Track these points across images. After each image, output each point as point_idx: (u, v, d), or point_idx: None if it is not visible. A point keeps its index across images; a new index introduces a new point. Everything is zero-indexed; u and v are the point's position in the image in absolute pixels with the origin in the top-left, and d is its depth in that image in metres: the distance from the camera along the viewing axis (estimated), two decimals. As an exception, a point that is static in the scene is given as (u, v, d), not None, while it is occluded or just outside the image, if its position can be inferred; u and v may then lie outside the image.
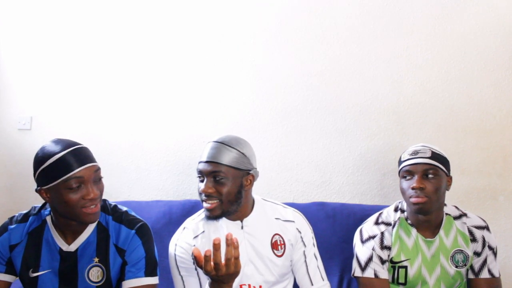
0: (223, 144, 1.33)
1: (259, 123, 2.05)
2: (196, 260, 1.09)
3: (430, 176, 1.39)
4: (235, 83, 2.08)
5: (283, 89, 2.05)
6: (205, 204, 1.31)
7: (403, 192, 1.45)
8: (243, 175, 1.34)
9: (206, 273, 1.09)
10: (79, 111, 2.14)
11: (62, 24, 2.17)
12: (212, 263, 1.07)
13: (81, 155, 1.19)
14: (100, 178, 1.23)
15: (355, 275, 1.47)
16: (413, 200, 1.39)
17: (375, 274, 1.43)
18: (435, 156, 1.42)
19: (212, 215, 1.32)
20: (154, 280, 1.28)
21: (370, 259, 1.45)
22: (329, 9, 2.05)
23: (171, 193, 2.07)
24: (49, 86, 2.16)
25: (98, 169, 1.22)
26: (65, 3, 2.17)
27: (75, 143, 1.21)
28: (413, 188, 1.39)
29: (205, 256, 1.06)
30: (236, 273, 1.11)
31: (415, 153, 1.43)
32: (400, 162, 1.50)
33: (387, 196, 1.98)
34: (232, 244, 1.08)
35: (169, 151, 2.08)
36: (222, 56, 2.09)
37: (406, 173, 1.43)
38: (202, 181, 1.32)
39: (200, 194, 1.33)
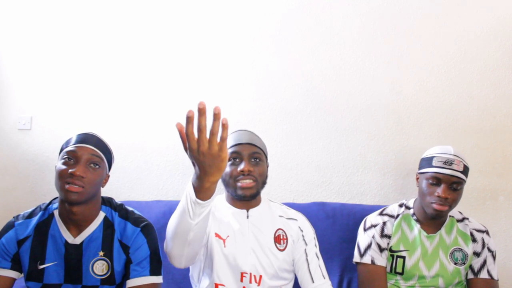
0: (249, 131, 1.43)
1: (259, 123, 2.05)
2: (180, 135, 0.91)
3: (455, 187, 1.43)
4: (236, 84, 2.08)
5: (283, 89, 2.05)
6: (241, 183, 1.34)
7: (423, 193, 1.48)
8: (266, 161, 1.45)
9: (190, 150, 0.93)
10: (79, 111, 2.14)
11: (62, 25, 2.17)
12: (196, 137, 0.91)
13: (84, 138, 1.28)
14: (94, 164, 1.25)
15: (354, 260, 1.54)
16: (435, 206, 1.43)
17: (372, 261, 1.49)
18: (465, 170, 1.45)
19: (249, 194, 1.35)
20: (158, 279, 1.30)
21: (369, 246, 1.52)
22: (329, 9, 2.05)
23: (171, 193, 2.07)
24: (49, 86, 2.16)
25: (95, 154, 1.26)
26: (65, 3, 2.17)
27: (90, 132, 1.34)
28: (438, 196, 1.42)
29: (188, 117, 0.86)
30: (219, 159, 0.93)
31: (449, 163, 1.43)
32: (426, 162, 1.50)
33: (387, 196, 1.98)
34: (215, 116, 0.86)
35: (169, 151, 2.08)
36: (222, 57, 2.09)
37: (434, 180, 1.45)
38: (235, 163, 1.36)
39: (234, 176, 1.35)
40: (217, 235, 1.37)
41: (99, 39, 2.15)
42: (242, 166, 1.34)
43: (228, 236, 1.37)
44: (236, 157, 1.37)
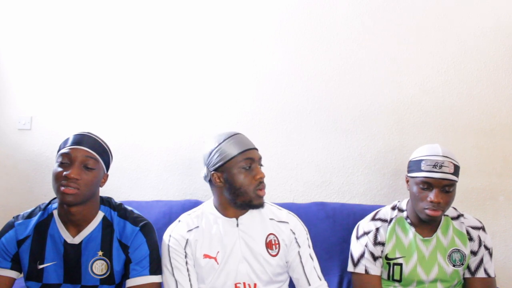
0: (243, 134, 1.41)
1: (259, 123, 2.05)
2: None
3: (447, 190, 1.38)
4: (236, 83, 2.08)
5: (283, 89, 2.05)
6: (261, 192, 1.34)
7: (415, 198, 1.43)
8: None
9: None
10: (79, 111, 2.14)
11: (62, 25, 2.17)
12: None
13: (80, 139, 1.27)
14: (88, 167, 1.25)
15: (348, 270, 1.52)
16: (428, 212, 1.38)
17: (366, 270, 1.47)
18: (456, 170, 1.40)
19: (263, 201, 1.36)
20: (158, 278, 1.30)
21: (362, 256, 1.48)
22: (329, 9, 2.05)
23: (171, 193, 2.07)
24: (49, 86, 2.16)
25: (89, 156, 1.25)
26: (65, 3, 2.17)
27: (87, 132, 1.32)
28: (431, 202, 1.38)
29: None
30: None
31: (438, 166, 1.37)
32: (415, 165, 1.45)
33: (387, 196, 1.98)
34: None
35: (169, 151, 2.08)
36: (222, 57, 2.09)
37: (424, 184, 1.39)
38: (251, 172, 1.33)
39: (253, 184, 1.32)
40: (206, 256, 1.34)
41: (99, 40, 2.15)
42: (260, 173, 1.34)
43: (218, 252, 1.34)
44: (250, 164, 1.33)
